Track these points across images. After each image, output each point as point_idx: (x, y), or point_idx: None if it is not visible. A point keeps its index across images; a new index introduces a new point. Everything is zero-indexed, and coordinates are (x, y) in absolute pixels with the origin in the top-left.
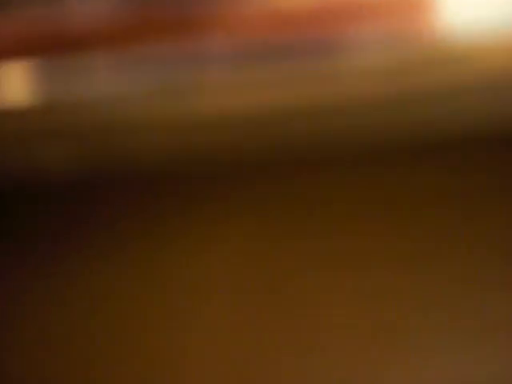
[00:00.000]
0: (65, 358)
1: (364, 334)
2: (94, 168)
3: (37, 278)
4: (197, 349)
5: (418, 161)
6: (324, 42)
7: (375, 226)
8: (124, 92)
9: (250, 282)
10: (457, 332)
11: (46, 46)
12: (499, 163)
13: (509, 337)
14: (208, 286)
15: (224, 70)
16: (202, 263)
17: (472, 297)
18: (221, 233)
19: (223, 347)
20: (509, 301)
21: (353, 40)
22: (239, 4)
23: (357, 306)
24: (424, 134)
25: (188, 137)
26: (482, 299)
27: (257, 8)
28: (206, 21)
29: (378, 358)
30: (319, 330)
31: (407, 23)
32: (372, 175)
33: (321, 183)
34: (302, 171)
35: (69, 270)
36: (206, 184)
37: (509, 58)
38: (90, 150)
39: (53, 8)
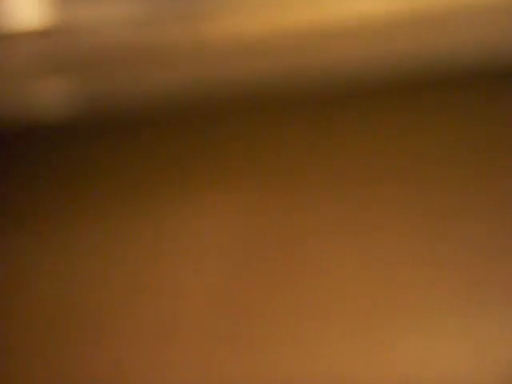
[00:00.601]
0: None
1: (367, 303)
2: (91, 108)
3: (26, 218)
4: (190, 312)
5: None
6: None
7: (380, 190)
8: (130, 15)
9: (249, 244)
10: (467, 301)
11: None
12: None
13: None
14: (202, 248)
15: None
16: (197, 222)
17: (483, 265)
18: (218, 194)
19: (218, 314)
20: None
21: None
22: None
23: (361, 274)
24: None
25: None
26: (494, 267)
27: None
28: None
29: (381, 325)
30: (319, 297)
31: None
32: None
33: (320, 141)
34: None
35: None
36: (204, 139)
37: None
38: (90, 85)
39: None
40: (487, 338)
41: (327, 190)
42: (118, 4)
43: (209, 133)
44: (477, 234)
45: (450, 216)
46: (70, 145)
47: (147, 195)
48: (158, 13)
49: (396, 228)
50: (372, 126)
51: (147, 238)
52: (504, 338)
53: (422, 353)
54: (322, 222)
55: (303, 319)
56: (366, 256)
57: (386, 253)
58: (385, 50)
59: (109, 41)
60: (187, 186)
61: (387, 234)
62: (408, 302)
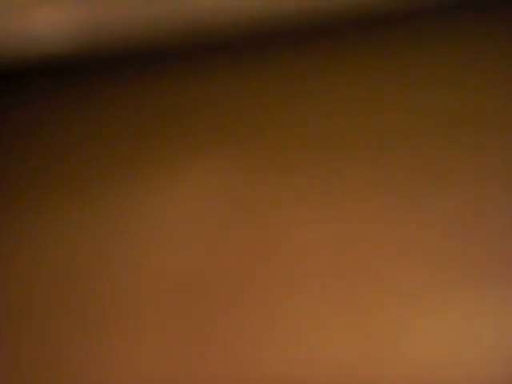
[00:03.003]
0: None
1: (349, 276)
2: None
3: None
4: (160, 291)
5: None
6: None
7: (364, 155)
8: None
9: (225, 215)
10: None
11: None
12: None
13: None
14: (175, 220)
15: None
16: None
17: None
18: (193, 162)
19: (190, 294)
20: None
21: None
22: None
23: (342, 246)
24: None
25: None
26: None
27: None
28: None
29: (366, 312)
30: (298, 270)
31: None
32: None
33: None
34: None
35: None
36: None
37: None
38: (89, 16)
39: None
40: (465, 323)
41: (305, 154)
42: None
43: (189, 95)
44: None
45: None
46: None
47: (122, 161)
48: None
49: (378, 205)
50: (355, 85)
51: (118, 211)
52: (500, 331)
53: (406, 331)
54: (300, 190)
55: (279, 299)
56: (347, 232)
57: (368, 228)
58: None
59: None
60: (160, 153)
61: (369, 209)
62: (395, 287)
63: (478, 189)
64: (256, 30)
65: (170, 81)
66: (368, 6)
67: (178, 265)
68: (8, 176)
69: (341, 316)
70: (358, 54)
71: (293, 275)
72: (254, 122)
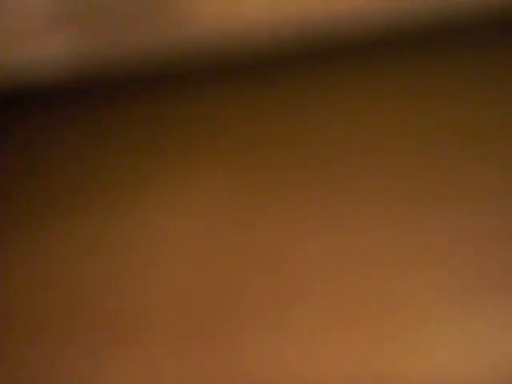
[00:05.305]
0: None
1: (352, 290)
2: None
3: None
4: (167, 300)
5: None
6: None
7: (375, 171)
8: None
9: (229, 229)
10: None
11: None
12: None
13: None
14: (180, 232)
15: None
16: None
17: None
18: (197, 175)
19: (195, 305)
20: None
21: None
22: None
23: (348, 265)
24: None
25: None
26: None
27: None
28: None
29: (368, 320)
30: (301, 283)
31: None
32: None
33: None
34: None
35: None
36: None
37: None
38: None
39: None
40: (477, 339)
41: (314, 170)
42: None
43: (189, 110)
44: (472, 226)
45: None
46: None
47: (123, 178)
48: None
49: (383, 219)
50: (355, 98)
51: (122, 225)
52: (496, 339)
53: (408, 346)
54: (301, 204)
55: (286, 311)
56: (349, 246)
57: (372, 241)
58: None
59: None
60: (161, 169)
61: (373, 222)
62: (396, 296)
63: (484, 198)
64: (255, 53)
65: (171, 98)
66: (367, 31)
67: (182, 278)
68: (8, 192)
69: (345, 329)
70: (358, 66)
71: (295, 289)
72: (255, 137)
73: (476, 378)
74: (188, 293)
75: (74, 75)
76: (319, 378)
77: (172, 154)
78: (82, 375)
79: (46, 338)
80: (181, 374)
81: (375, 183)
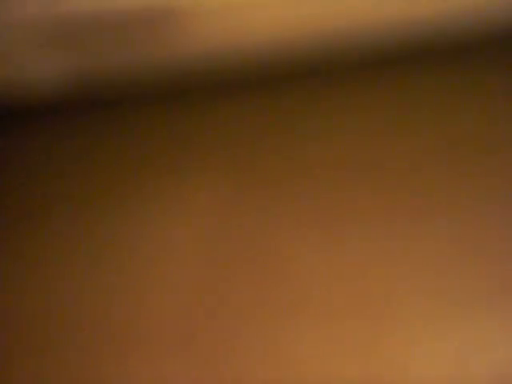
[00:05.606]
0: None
1: (351, 300)
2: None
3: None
4: (161, 314)
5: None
6: None
7: (363, 184)
8: None
9: (222, 242)
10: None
11: None
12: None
13: None
14: (172, 248)
15: None
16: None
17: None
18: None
19: (189, 302)
20: None
21: None
22: None
23: (340, 273)
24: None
25: None
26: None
27: None
28: None
29: (362, 324)
30: (299, 293)
31: None
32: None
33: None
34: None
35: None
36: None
37: None
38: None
39: None
40: (468, 340)
41: (303, 183)
42: None
43: (181, 123)
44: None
45: (438, 212)
46: None
47: (124, 186)
48: None
49: (377, 227)
50: (356, 115)
51: (124, 232)
52: (488, 340)
53: (403, 354)
54: (299, 217)
55: (280, 318)
56: (346, 255)
57: (368, 250)
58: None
59: (103, 11)
60: (163, 176)
61: (370, 233)
62: (389, 297)
63: (483, 212)
64: (256, 67)
65: (176, 107)
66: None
67: (180, 282)
68: (9, 205)
69: (344, 340)
70: (358, 78)
71: (293, 293)
72: (256, 146)
73: (476, 378)
74: (187, 297)
75: (64, 94)
76: (319, 379)
77: (165, 167)
78: (81, 376)
79: (45, 341)
80: (181, 374)
81: (372, 191)
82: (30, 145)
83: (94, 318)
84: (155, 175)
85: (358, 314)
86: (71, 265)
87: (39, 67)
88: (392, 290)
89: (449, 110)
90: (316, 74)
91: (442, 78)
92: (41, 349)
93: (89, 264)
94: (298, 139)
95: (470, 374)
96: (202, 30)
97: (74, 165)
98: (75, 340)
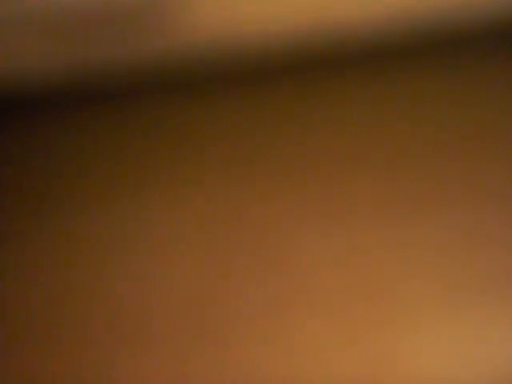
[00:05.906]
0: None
1: (350, 293)
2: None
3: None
4: (164, 309)
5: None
6: None
7: (363, 175)
8: None
9: (223, 239)
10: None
11: None
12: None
13: None
14: (174, 243)
15: None
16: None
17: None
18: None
19: (192, 313)
20: None
21: None
22: None
23: (343, 266)
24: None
25: None
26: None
27: None
28: None
29: (366, 319)
30: (300, 289)
31: None
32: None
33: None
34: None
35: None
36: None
37: None
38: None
39: None
40: (468, 338)
41: (305, 175)
42: None
43: (182, 116)
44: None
45: (443, 204)
46: None
47: (127, 183)
48: None
49: (380, 219)
50: (358, 108)
51: (125, 226)
52: (496, 339)
53: (407, 347)
54: (300, 208)
55: (283, 315)
56: (349, 247)
57: (370, 242)
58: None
59: (101, 3)
60: (167, 174)
61: (371, 223)
62: (394, 291)
63: (482, 203)
64: (257, 60)
65: (179, 102)
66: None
67: (181, 282)
68: (9, 200)
69: (342, 332)
70: (362, 69)
71: (295, 289)
72: (259, 141)
73: (476, 378)
74: (187, 296)
75: (67, 85)
76: (319, 379)
77: (177, 161)
78: (84, 375)
79: (50, 339)
80: (181, 374)
81: (374, 183)
82: (28, 138)
83: (100, 313)
84: (158, 168)
85: (359, 303)
86: (72, 264)
87: (39, 59)
88: (393, 277)
89: (451, 103)
90: (317, 67)
91: (443, 70)
92: (45, 344)
93: (91, 257)
94: (298, 131)
95: (470, 372)
96: (200, 21)
97: (73, 159)
98: (85, 335)
